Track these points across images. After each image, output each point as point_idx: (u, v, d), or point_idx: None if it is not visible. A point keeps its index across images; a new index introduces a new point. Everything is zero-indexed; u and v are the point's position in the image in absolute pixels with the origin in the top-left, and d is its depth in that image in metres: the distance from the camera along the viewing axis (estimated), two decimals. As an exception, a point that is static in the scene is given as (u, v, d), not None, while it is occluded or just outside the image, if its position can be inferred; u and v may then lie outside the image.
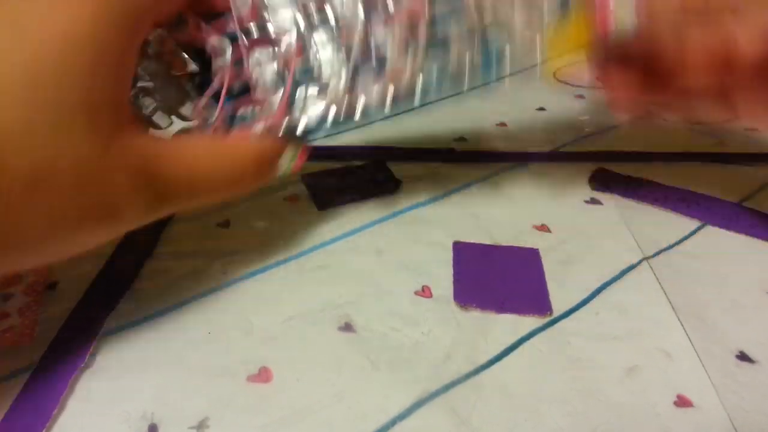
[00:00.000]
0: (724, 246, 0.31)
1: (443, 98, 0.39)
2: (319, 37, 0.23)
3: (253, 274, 0.28)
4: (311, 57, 0.23)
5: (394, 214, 0.33)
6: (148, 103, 0.25)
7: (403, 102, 0.24)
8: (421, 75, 0.24)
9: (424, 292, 0.28)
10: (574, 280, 0.28)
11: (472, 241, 0.31)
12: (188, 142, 0.22)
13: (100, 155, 0.18)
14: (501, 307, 0.27)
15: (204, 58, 0.24)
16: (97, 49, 0.18)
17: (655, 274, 0.29)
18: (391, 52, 0.23)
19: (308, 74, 0.23)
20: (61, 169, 0.17)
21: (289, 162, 0.24)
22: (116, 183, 0.18)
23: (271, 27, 0.23)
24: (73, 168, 0.17)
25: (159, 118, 0.25)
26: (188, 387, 0.23)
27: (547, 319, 0.26)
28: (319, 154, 0.37)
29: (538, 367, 0.24)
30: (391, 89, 0.23)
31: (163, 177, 0.20)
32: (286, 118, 0.23)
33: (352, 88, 0.23)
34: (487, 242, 0.31)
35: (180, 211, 0.32)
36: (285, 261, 0.29)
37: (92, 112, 0.18)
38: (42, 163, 0.17)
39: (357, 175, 0.36)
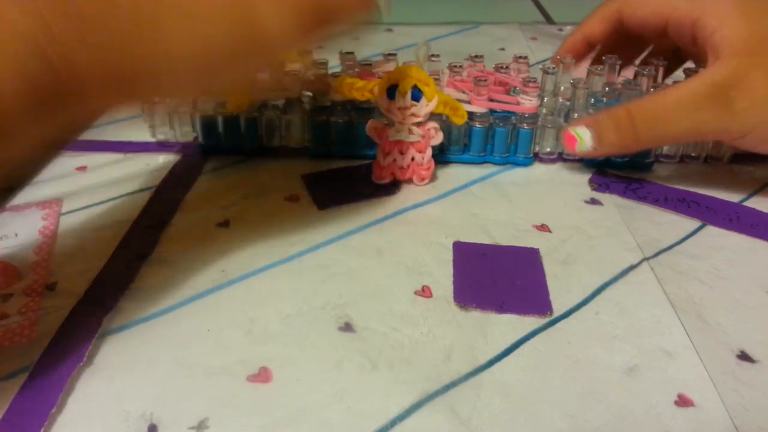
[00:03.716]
0: (724, 246, 0.31)
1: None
2: None
3: (253, 273, 0.28)
4: None
5: (394, 214, 0.33)
6: None
7: None
8: None
9: (424, 292, 0.28)
10: (574, 280, 0.28)
11: (472, 241, 0.31)
12: None
13: None
14: (501, 307, 0.27)
15: None
16: None
17: (655, 274, 0.29)
18: None
19: None
20: None
21: None
22: None
23: None
24: None
25: None
26: (188, 387, 0.23)
27: (547, 319, 0.26)
28: (319, 154, 0.37)
29: (538, 367, 0.24)
30: None
31: None
32: None
33: None
34: (487, 242, 0.31)
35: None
36: (285, 261, 0.29)
37: None
38: None
39: (357, 175, 0.36)
